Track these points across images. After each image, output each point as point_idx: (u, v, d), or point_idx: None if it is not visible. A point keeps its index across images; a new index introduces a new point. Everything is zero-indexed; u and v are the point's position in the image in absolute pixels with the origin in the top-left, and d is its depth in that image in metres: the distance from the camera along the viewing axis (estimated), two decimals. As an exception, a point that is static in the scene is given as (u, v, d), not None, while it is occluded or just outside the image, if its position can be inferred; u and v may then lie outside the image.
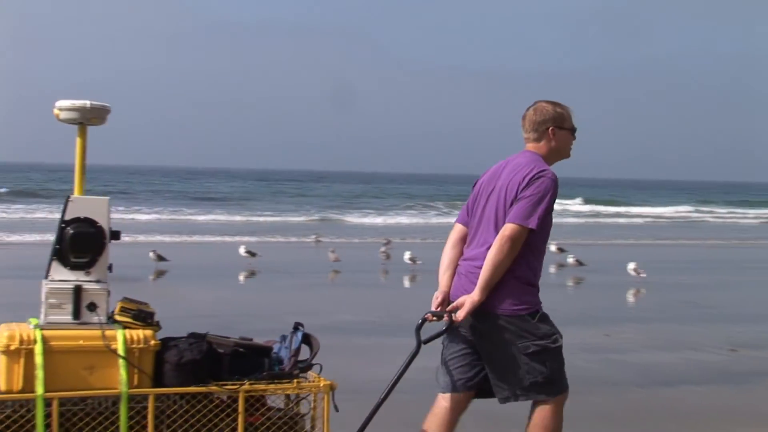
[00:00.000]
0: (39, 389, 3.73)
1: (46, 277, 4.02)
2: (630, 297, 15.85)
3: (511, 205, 4.40)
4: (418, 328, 4.49)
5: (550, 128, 4.60)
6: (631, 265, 17.09)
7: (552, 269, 18.81)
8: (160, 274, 16.46)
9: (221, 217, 34.80)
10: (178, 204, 43.32)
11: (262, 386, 4.07)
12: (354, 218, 38.71)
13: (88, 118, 4.19)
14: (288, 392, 4.17)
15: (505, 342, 4.42)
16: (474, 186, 4.75)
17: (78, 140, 4.24)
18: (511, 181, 4.44)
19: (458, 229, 4.75)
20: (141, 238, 22.58)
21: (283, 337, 4.34)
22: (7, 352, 3.79)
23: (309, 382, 4.18)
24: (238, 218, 34.94)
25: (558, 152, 4.67)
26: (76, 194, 4.17)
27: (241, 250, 18.00)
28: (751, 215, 53.90)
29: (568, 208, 50.92)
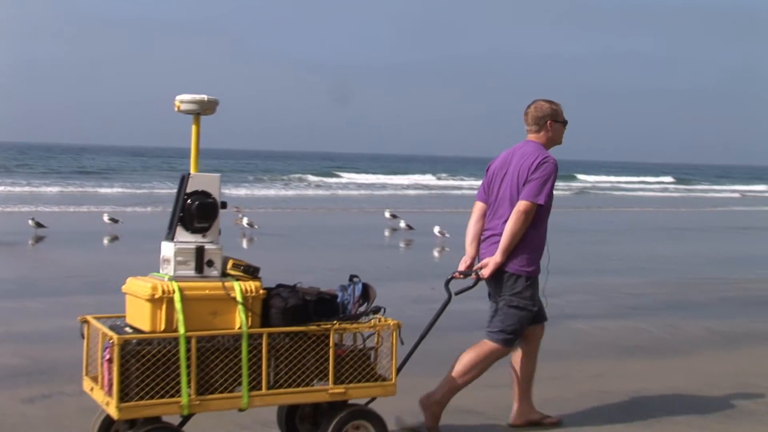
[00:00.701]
0: (181, 329, 4.29)
1: (172, 239, 4.55)
2: (440, 254, 17.30)
3: (524, 185, 5.26)
4: (447, 282, 5.41)
5: (549, 122, 5.49)
6: (436, 228, 18.90)
7: (387, 233, 20.90)
8: (38, 239, 17.62)
9: (99, 190, 35.69)
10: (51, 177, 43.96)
11: (347, 325, 4.71)
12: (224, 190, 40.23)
13: (204, 109, 4.69)
14: (364, 330, 4.80)
15: (501, 291, 5.39)
16: (487, 170, 5.61)
17: (193, 127, 4.76)
18: (522, 166, 5.30)
19: (479, 207, 5.62)
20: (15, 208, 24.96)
21: (343, 287, 4.92)
22: (152, 299, 4.30)
23: (379, 321, 4.82)
24: (111, 190, 36.16)
25: (554, 140, 5.57)
26: (192, 172, 4.67)
27: (105, 218, 19.25)
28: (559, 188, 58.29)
29: (418, 181, 53.72)
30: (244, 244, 17.94)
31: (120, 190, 36.23)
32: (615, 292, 12.33)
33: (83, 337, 4.74)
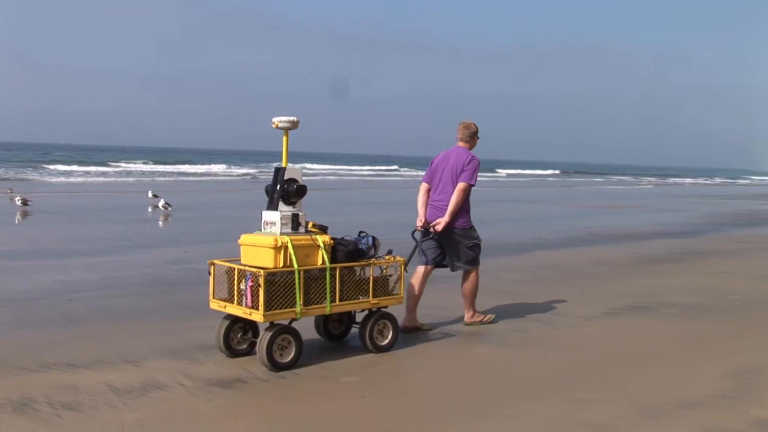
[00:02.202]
0: (295, 265, 5.89)
1: (276, 209, 6.05)
2: (164, 222, 18.07)
3: (461, 173, 7.29)
4: (413, 233, 7.39)
5: (475, 137, 7.61)
6: (161, 202, 20.63)
7: (149, 209, 21.10)
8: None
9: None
10: None
11: (379, 261, 6.52)
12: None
13: (293, 126, 6.28)
14: (383, 264, 6.53)
15: (458, 241, 7.37)
16: (431, 163, 7.57)
17: (285, 138, 6.34)
18: (458, 161, 7.34)
19: (424, 186, 7.57)
20: None
21: (358, 239, 6.56)
22: (275, 247, 5.89)
23: (393, 258, 6.63)
24: None
25: (473, 147, 7.63)
26: (284, 165, 6.17)
27: None
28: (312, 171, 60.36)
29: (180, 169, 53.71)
30: (17, 219, 18.04)
31: None
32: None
33: (210, 274, 6.16)
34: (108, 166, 56.21)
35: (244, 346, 6.26)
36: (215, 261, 6.15)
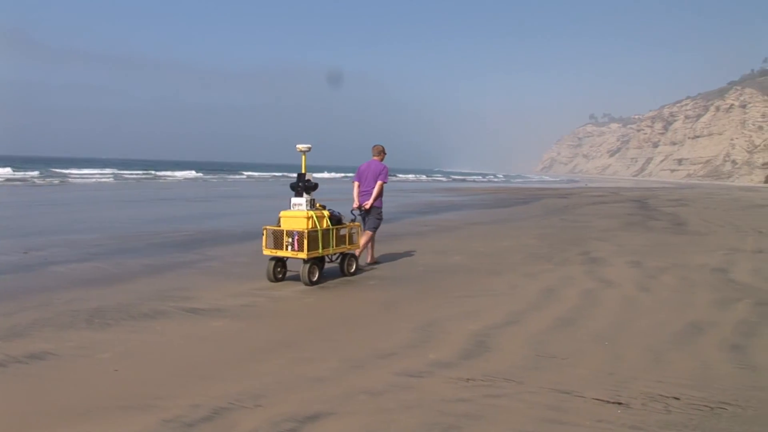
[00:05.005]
0: (319, 227, 8.90)
1: (301, 196, 8.88)
2: None
3: (378, 174, 10.31)
4: (351, 210, 10.27)
5: (383, 153, 10.62)
6: None
7: None
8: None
9: None
10: None
11: (350, 225, 9.61)
12: None
13: (308, 150, 8.86)
14: (351, 227, 9.54)
15: (372, 214, 10.47)
16: (359, 170, 10.54)
17: (303, 157, 9.01)
18: (377, 168, 10.42)
19: (356, 183, 10.54)
20: None
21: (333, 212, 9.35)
22: (306, 217, 8.82)
23: (355, 223, 9.74)
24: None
25: (383, 159, 10.60)
26: (303, 172, 9.02)
27: None
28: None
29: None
30: None
31: None
32: (81, 244, 12.43)
33: (263, 234, 8.83)
34: None
35: (281, 276, 8.95)
36: (267, 227, 8.79)
